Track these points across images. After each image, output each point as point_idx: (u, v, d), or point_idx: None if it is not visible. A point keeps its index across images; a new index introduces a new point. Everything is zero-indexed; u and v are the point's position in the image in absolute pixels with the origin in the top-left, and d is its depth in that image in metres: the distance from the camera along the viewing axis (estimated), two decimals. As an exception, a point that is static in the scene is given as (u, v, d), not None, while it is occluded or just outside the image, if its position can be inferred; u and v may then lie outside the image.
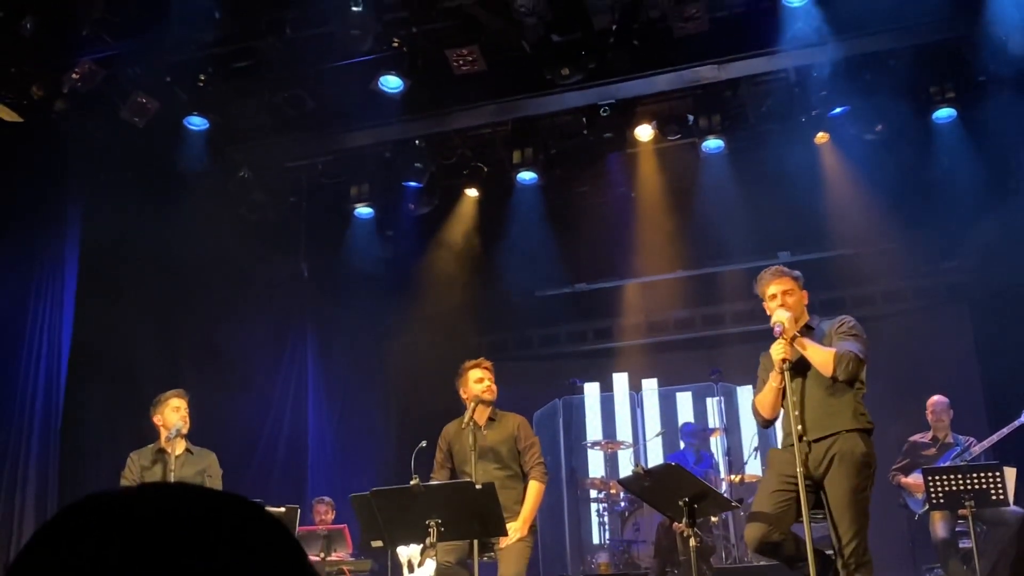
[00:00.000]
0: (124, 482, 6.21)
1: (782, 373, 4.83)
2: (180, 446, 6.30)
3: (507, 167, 9.19)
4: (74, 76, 7.44)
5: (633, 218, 10.30)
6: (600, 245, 10.92)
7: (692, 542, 4.87)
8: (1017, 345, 9.05)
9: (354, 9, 7.13)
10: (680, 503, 4.82)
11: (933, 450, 7.94)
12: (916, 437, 8.11)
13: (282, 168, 9.39)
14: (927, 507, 7.10)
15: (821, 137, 8.83)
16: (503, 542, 5.55)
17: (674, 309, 12.03)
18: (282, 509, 6.35)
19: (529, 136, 8.97)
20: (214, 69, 8.00)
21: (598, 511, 10.22)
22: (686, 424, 10.30)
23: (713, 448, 10.02)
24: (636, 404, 11.97)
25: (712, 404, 10.68)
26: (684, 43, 7.52)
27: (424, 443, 6.02)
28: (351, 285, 10.20)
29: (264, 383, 9.97)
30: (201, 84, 8.08)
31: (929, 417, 8.03)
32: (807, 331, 5.02)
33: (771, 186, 9.16)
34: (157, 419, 6.33)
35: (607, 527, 9.96)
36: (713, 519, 8.48)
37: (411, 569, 5.26)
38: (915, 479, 7.77)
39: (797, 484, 4.66)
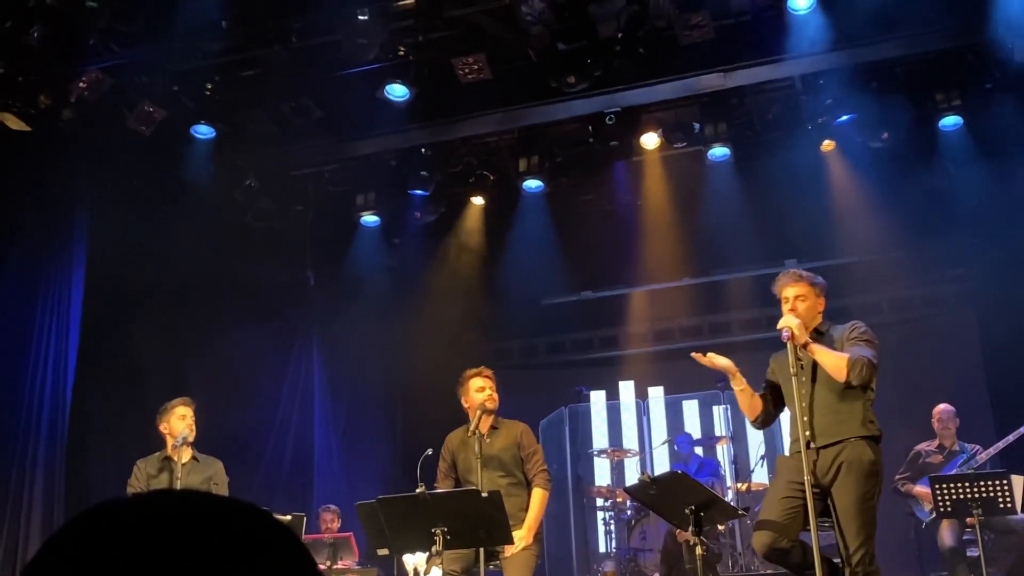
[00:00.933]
0: (131, 490, 6.21)
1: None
2: (186, 454, 6.30)
3: (513, 175, 9.19)
4: (81, 85, 7.47)
5: (639, 226, 10.29)
6: (606, 253, 10.92)
7: (698, 550, 4.86)
8: (1024, 352, 9.04)
9: (360, 18, 7.15)
10: (686, 511, 4.80)
11: (940, 458, 7.92)
12: (922, 446, 8.09)
13: (288, 176, 9.41)
14: (934, 515, 7.07)
15: (827, 145, 8.82)
16: (508, 550, 5.53)
17: (680, 317, 12.01)
18: (288, 517, 6.35)
19: (535, 144, 8.98)
20: (221, 78, 8.02)
21: (604, 519, 10.20)
22: (680, 436, 10.29)
23: (720, 456, 10.01)
24: (642, 412, 11.95)
25: (719, 412, 10.66)
26: (690, 51, 7.52)
27: (430, 451, 6.02)
28: (357, 293, 10.21)
29: (270, 391, 9.98)
30: (208, 93, 8.10)
31: (936, 425, 8.02)
32: (817, 336, 5.01)
33: (777, 194, 9.15)
34: (163, 427, 6.33)
35: (613, 535, 9.94)
36: (720, 527, 8.46)
37: (417, 577, 5.25)
38: (924, 488, 7.75)
39: (805, 491, 4.65)
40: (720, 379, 9.97)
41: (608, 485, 10.57)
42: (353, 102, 8.06)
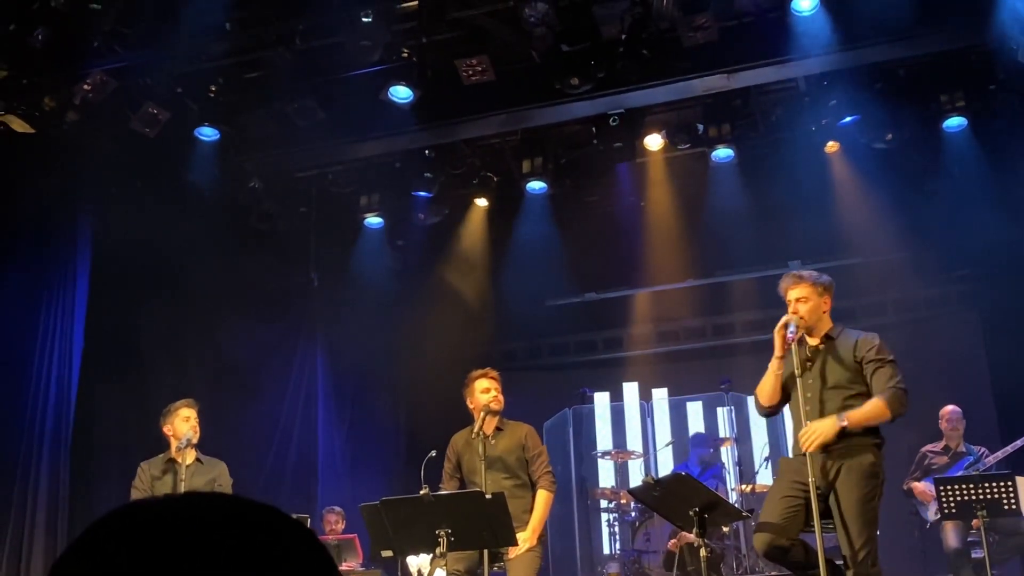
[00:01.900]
0: (135, 492, 6.21)
1: (782, 356, 4.86)
2: (190, 456, 6.30)
3: (516, 177, 9.19)
4: (85, 87, 7.47)
5: (643, 227, 10.29)
6: (610, 254, 10.92)
7: (702, 552, 4.86)
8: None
9: (364, 20, 7.15)
10: (690, 513, 4.80)
11: (945, 458, 7.91)
12: (928, 447, 8.08)
13: (292, 178, 9.42)
14: (939, 516, 7.06)
15: (831, 146, 8.81)
16: (512, 552, 5.53)
17: (684, 318, 12.01)
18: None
19: (538, 146, 8.98)
20: (225, 80, 8.03)
21: (608, 521, 10.19)
22: (696, 434, 10.29)
23: (724, 458, 9.99)
24: (646, 414, 11.94)
25: (722, 414, 10.65)
26: (693, 52, 7.52)
27: (434, 452, 6.02)
28: (361, 294, 10.21)
29: (274, 392, 9.98)
30: (212, 95, 8.11)
31: (944, 426, 8.00)
32: (827, 341, 5.00)
33: (781, 195, 9.14)
34: (167, 429, 6.33)
35: (617, 537, 9.93)
36: (724, 528, 8.45)
37: (421, 579, 5.25)
38: (925, 486, 7.75)
39: (807, 491, 4.66)
40: (724, 381, 10.00)
41: (612, 487, 10.56)
42: (357, 104, 8.06)
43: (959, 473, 7.48)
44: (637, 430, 11.93)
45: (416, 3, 7.38)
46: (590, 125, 8.73)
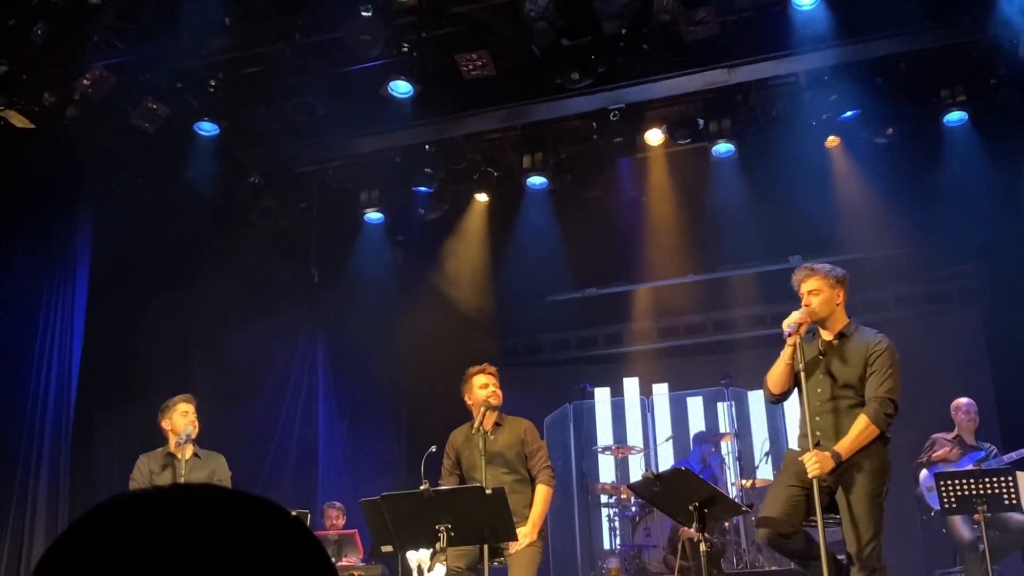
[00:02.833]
0: (133, 484, 6.22)
1: (795, 348, 4.84)
2: (189, 451, 6.32)
3: (517, 172, 9.18)
4: (85, 82, 7.47)
5: (643, 222, 10.28)
6: (610, 250, 10.91)
7: (702, 547, 4.86)
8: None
9: (364, 15, 7.14)
10: (690, 507, 4.80)
11: (957, 451, 7.81)
12: (940, 434, 7.99)
13: (292, 173, 9.40)
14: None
15: (832, 141, 8.80)
16: (513, 547, 5.54)
17: (685, 314, 12.00)
18: (293, 514, 6.35)
19: (539, 141, 8.97)
20: (224, 75, 8.02)
21: (609, 516, 10.20)
22: (699, 433, 10.32)
23: (724, 453, 10.00)
24: (647, 409, 11.94)
25: (723, 409, 10.65)
26: (694, 47, 7.50)
27: (434, 448, 6.02)
28: (361, 290, 10.20)
29: (274, 388, 9.99)
30: (212, 90, 8.09)
31: (961, 417, 7.86)
32: (841, 339, 4.98)
33: (782, 190, 9.13)
34: (165, 424, 6.35)
35: (618, 532, 9.94)
36: (725, 523, 8.46)
37: (421, 574, 5.25)
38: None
39: (811, 482, 4.66)
40: (724, 376, 10.01)
41: (612, 482, 10.57)
42: (357, 99, 8.05)
43: (968, 467, 7.45)
44: (637, 425, 11.93)
45: (416, -3, 7.37)
46: (590, 120, 8.73)
